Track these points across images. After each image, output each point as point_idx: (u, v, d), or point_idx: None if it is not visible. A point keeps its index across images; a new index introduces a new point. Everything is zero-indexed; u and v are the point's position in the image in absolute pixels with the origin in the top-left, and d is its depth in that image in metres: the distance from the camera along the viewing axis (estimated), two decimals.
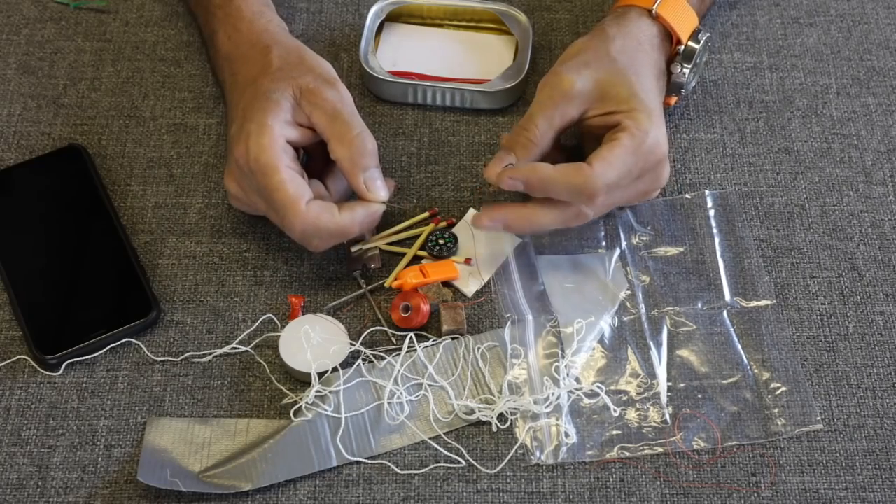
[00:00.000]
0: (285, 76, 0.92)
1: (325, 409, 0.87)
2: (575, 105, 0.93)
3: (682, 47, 0.98)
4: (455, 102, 1.05)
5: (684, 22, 0.98)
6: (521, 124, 0.93)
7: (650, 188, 0.94)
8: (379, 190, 0.91)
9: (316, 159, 0.95)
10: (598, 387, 0.90)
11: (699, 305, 0.94)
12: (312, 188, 0.91)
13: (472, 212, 0.98)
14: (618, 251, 0.97)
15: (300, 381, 0.90)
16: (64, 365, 0.91)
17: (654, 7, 0.97)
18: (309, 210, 0.89)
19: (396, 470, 0.87)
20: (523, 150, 0.92)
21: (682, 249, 0.97)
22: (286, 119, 0.91)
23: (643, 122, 0.90)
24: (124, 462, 0.87)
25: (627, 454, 0.88)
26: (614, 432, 0.88)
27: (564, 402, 0.89)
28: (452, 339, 0.92)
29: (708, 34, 0.99)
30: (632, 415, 0.89)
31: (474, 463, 0.87)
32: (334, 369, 0.89)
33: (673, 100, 1.02)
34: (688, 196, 1.00)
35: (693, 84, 1.02)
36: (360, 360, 0.90)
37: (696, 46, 0.98)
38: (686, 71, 0.98)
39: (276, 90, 0.91)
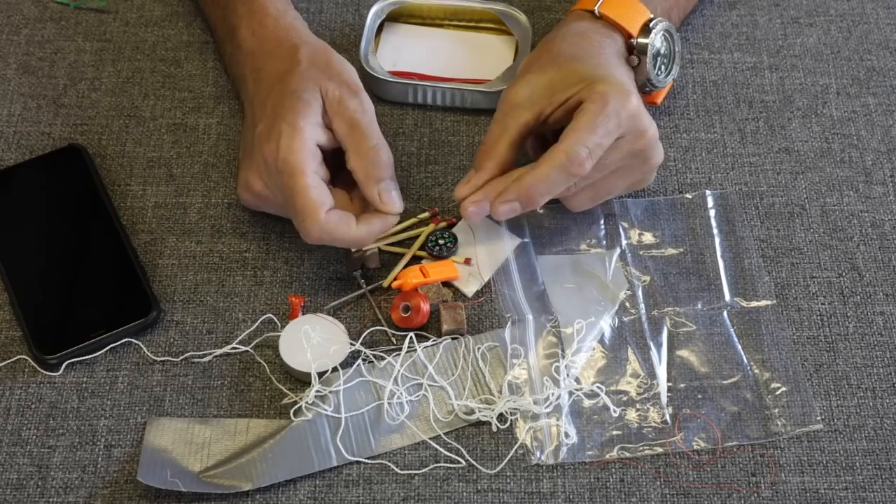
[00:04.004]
0: (313, 76, 0.92)
1: (325, 409, 0.87)
2: (525, 110, 0.92)
3: (636, 40, 0.97)
4: (455, 102, 1.05)
5: (631, 15, 0.97)
6: (481, 145, 0.93)
7: (642, 153, 0.92)
8: (394, 201, 0.91)
9: (338, 163, 0.94)
10: (599, 387, 0.90)
11: (699, 305, 0.94)
12: (334, 196, 0.91)
13: None
14: (618, 251, 0.97)
15: (300, 381, 0.90)
16: (64, 365, 0.91)
17: (596, 7, 0.97)
18: (328, 219, 0.88)
19: (396, 470, 0.87)
20: (491, 164, 0.92)
21: (682, 249, 0.97)
22: (317, 121, 0.91)
23: (599, 88, 0.89)
24: (124, 462, 0.87)
25: (627, 454, 0.88)
26: (614, 432, 0.88)
27: (565, 402, 0.89)
28: (452, 339, 0.92)
29: (663, 22, 0.98)
30: (632, 415, 0.89)
31: (474, 463, 0.87)
32: (334, 369, 0.89)
33: (659, 96, 1.02)
34: (688, 196, 1.00)
35: (669, 78, 1.01)
36: (360, 360, 0.90)
37: (646, 41, 0.97)
38: (646, 62, 0.97)
39: (306, 90, 0.91)
